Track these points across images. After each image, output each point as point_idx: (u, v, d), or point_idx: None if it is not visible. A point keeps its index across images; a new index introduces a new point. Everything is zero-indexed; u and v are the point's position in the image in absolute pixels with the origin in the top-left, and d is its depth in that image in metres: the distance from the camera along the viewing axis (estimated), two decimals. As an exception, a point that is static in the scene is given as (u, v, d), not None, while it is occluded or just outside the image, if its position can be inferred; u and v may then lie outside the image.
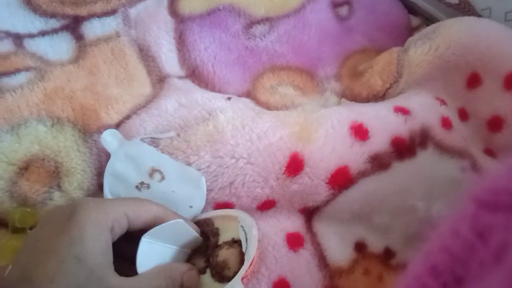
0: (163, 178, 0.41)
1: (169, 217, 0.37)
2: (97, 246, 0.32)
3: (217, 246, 0.41)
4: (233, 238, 0.41)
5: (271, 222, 0.44)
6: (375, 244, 0.44)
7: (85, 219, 0.32)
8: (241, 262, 0.40)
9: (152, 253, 0.37)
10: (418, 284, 0.26)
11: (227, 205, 0.43)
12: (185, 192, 0.42)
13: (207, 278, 0.40)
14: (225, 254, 0.40)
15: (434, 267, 0.26)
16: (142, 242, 0.36)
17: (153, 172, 0.41)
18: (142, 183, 0.41)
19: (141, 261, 0.36)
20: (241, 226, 0.41)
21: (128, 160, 0.42)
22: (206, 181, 0.42)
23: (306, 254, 0.43)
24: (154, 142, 0.42)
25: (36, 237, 0.32)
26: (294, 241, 0.43)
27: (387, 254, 0.44)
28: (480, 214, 0.25)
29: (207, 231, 0.42)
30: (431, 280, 0.25)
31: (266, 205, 0.44)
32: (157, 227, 0.36)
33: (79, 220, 0.32)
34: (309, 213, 0.45)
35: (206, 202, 0.42)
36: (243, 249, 0.40)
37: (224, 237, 0.42)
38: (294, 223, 0.44)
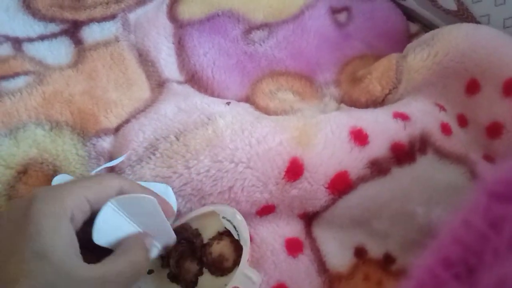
0: None
1: (137, 191, 0.36)
2: (57, 239, 0.30)
3: (204, 246, 0.41)
4: (218, 232, 0.41)
5: (270, 227, 0.44)
6: (375, 250, 0.44)
7: (41, 212, 0.30)
8: (236, 249, 0.40)
9: (114, 223, 0.34)
10: (430, 276, 0.26)
11: (226, 210, 0.43)
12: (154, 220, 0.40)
13: (206, 277, 0.40)
14: (218, 248, 0.41)
15: (447, 258, 0.26)
16: (106, 206, 0.33)
17: None
18: None
19: (100, 229, 0.33)
20: (223, 218, 0.41)
21: None
22: (206, 186, 0.42)
23: (305, 260, 0.43)
24: (112, 169, 0.42)
25: None
26: (293, 247, 0.43)
27: (387, 260, 0.44)
28: (493, 205, 0.26)
29: (187, 235, 0.41)
30: (444, 271, 0.26)
31: (265, 210, 0.44)
32: (126, 196, 0.34)
33: (34, 214, 0.30)
34: (309, 218, 0.45)
35: (206, 206, 0.42)
36: (235, 237, 0.40)
37: (207, 234, 0.42)
38: (293, 228, 0.44)
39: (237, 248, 0.40)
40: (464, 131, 0.49)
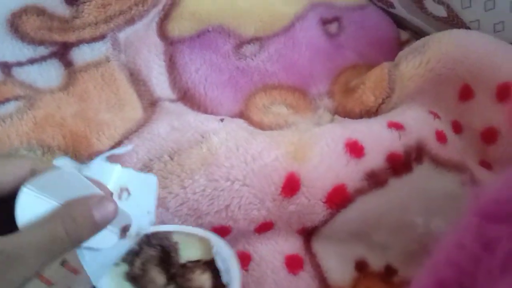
0: (129, 194, 0.36)
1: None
2: None
3: (184, 266, 0.39)
4: (201, 259, 0.39)
5: (269, 245, 0.43)
6: (376, 262, 0.44)
7: None
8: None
9: (37, 208, 0.31)
10: None
11: (224, 229, 0.42)
12: (145, 200, 0.38)
13: None
14: (200, 280, 0.39)
15: (441, 280, 0.26)
16: (22, 192, 0.30)
17: (121, 191, 0.36)
18: None
19: (22, 216, 0.30)
20: (216, 252, 0.38)
21: None
22: (202, 205, 0.41)
23: (306, 277, 0.43)
24: (113, 158, 0.38)
25: None
26: (293, 264, 0.43)
27: (388, 272, 0.44)
28: (484, 226, 0.26)
29: (166, 245, 0.39)
30: None
31: (264, 227, 0.43)
32: (41, 175, 0.31)
33: None
34: (308, 234, 0.44)
35: (202, 226, 0.42)
36: (223, 281, 0.38)
37: (186, 254, 0.39)
38: (292, 245, 0.44)
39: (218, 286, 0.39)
40: (459, 137, 0.49)
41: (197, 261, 0.39)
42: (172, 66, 0.52)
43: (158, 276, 0.39)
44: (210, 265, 0.39)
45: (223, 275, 0.38)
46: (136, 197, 0.37)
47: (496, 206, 0.26)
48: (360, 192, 0.42)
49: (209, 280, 0.39)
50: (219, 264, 0.38)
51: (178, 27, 0.53)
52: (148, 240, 0.39)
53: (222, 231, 0.42)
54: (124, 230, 0.35)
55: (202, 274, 0.39)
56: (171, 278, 0.39)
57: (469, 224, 0.26)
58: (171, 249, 0.39)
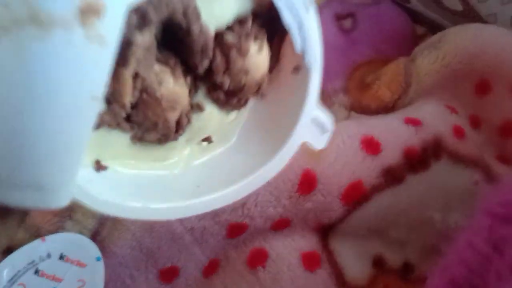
0: None
1: None
2: None
3: (217, 39, 0.21)
4: (243, 18, 0.21)
5: (286, 242, 0.43)
6: (394, 259, 0.44)
7: None
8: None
9: None
10: None
11: (240, 226, 0.42)
12: None
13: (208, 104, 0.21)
14: (256, 62, 0.21)
15: (452, 280, 0.26)
16: None
17: None
18: None
19: None
20: None
21: None
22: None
23: (323, 274, 0.43)
24: None
25: None
26: (310, 261, 0.43)
27: (406, 268, 0.44)
28: (495, 227, 0.26)
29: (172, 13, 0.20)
30: None
31: (280, 225, 0.43)
32: None
33: None
34: (324, 231, 0.44)
35: (219, 224, 0.42)
36: (296, 49, 0.20)
37: (214, 14, 0.20)
38: (309, 242, 0.44)
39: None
40: (477, 132, 0.49)
41: (239, 21, 0.21)
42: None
43: (165, 77, 0.20)
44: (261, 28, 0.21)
45: (295, 38, 0.21)
46: None
47: (507, 207, 0.26)
48: (377, 188, 0.42)
49: (267, 58, 0.21)
50: (283, 12, 0.19)
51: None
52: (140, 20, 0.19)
53: (239, 228, 0.42)
54: None
55: (259, 52, 0.21)
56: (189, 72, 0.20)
57: (480, 224, 0.26)
58: (185, 17, 0.19)
